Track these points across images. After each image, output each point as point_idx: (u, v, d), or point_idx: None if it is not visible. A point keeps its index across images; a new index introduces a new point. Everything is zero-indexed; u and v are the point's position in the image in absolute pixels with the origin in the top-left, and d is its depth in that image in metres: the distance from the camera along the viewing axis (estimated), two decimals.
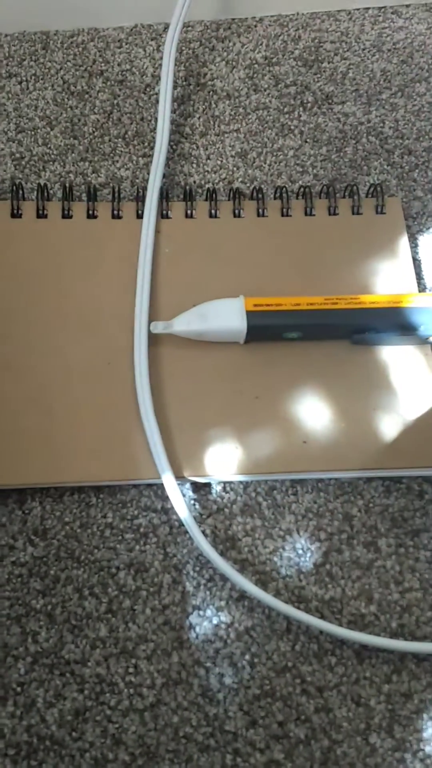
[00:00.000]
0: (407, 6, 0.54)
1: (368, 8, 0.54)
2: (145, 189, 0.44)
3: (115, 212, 0.43)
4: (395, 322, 0.39)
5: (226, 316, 0.39)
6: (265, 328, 0.39)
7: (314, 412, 0.38)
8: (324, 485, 0.38)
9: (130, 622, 0.35)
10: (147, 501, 0.37)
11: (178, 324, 0.39)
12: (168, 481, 0.36)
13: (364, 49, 0.52)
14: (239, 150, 0.48)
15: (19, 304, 0.40)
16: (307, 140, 0.48)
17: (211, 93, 0.50)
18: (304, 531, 0.37)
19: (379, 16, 0.54)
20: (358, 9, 0.54)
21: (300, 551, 0.37)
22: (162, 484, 0.37)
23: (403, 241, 0.43)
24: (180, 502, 0.36)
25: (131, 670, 0.34)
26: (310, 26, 0.52)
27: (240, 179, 0.46)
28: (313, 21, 0.53)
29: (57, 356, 0.39)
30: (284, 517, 0.37)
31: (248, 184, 0.46)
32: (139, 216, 0.43)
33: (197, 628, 0.35)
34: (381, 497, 0.38)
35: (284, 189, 0.44)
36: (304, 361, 0.40)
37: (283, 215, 0.44)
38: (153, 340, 0.39)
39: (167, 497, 0.37)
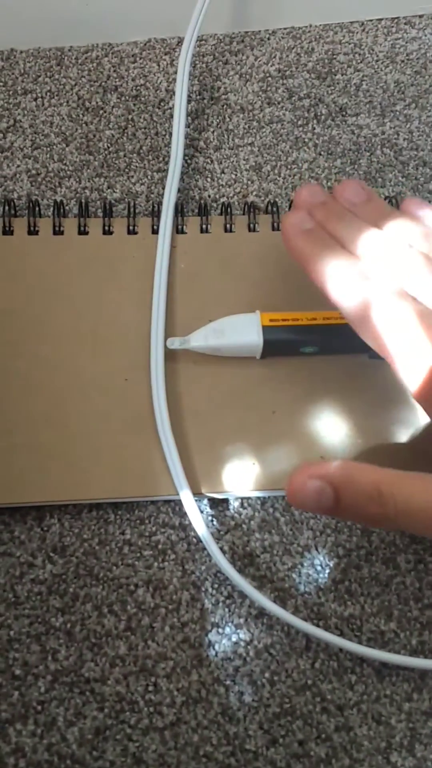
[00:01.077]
0: (420, 17, 0.54)
1: (381, 19, 0.54)
2: (160, 204, 0.44)
3: (131, 228, 0.43)
4: None
5: (242, 331, 0.39)
6: (281, 343, 0.39)
7: (331, 428, 0.38)
8: None
9: (149, 640, 0.35)
10: (165, 517, 0.38)
11: (194, 340, 0.39)
12: (186, 497, 0.36)
13: (377, 61, 0.52)
14: (253, 163, 0.48)
15: (36, 321, 0.40)
16: (321, 153, 0.48)
17: (224, 107, 0.50)
18: (322, 547, 0.37)
19: (392, 27, 0.54)
20: (371, 20, 0.54)
21: (318, 567, 0.37)
22: (180, 501, 0.37)
23: None
24: (198, 518, 0.36)
25: (151, 688, 0.34)
26: (323, 38, 0.52)
27: (254, 192, 0.46)
28: (326, 33, 0.53)
29: (74, 372, 0.39)
30: (302, 533, 0.37)
31: (263, 198, 0.46)
32: (155, 231, 0.43)
33: (216, 646, 0.35)
34: None
35: None
36: (321, 376, 0.40)
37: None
38: (169, 355, 0.39)
39: (185, 514, 0.37)
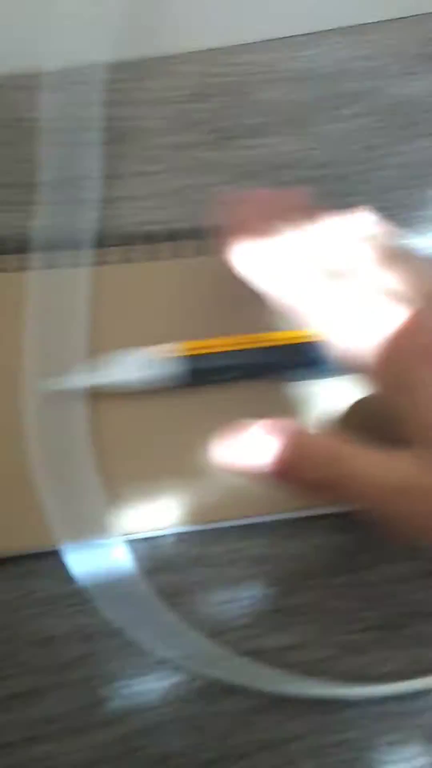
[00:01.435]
0: (326, 32, 0.54)
1: (285, 38, 0.54)
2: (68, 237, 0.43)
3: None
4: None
5: (150, 363, 0.38)
6: (200, 371, 0.38)
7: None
8: (276, 526, 0.37)
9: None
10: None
11: (96, 376, 0.38)
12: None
13: (289, 79, 0.52)
14: (171, 189, 0.47)
15: None
16: (240, 174, 0.48)
17: (136, 133, 0.49)
18: (258, 576, 0.36)
19: (300, 44, 0.54)
20: (278, 39, 0.54)
21: (255, 597, 0.36)
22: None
23: None
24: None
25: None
26: (230, 61, 0.52)
27: (171, 220, 0.46)
28: (233, 55, 0.53)
29: None
30: (234, 564, 0.36)
31: (184, 224, 0.46)
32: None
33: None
34: (333, 534, 0.37)
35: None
36: (246, 403, 0.39)
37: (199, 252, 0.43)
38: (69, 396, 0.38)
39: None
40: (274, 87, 0.51)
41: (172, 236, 0.44)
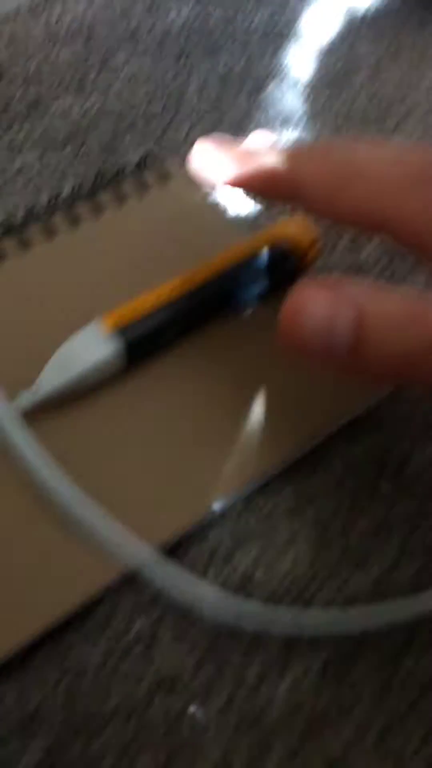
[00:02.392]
0: None
1: (18, 6, 0.49)
2: None
3: None
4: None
5: (90, 349, 0.31)
6: (140, 341, 0.32)
7: (258, 403, 0.32)
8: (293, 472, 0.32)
9: (201, 751, 0.26)
10: (126, 602, 0.29)
11: (43, 386, 0.30)
12: (150, 558, 0.28)
13: (41, 44, 0.47)
14: None
15: None
16: (46, 147, 0.42)
17: None
18: (307, 524, 0.31)
19: (36, 8, 0.48)
20: (8, 11, 0.48)
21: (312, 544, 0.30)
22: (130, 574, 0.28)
23: (208, 196, 0.39)
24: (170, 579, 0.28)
25: None
26: None
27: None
28: None
29: None
30: (278, 523, 0.31)
31: (10, 216, 0.39)
32: None
33: (273, 703, 0.27)
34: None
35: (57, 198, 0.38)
36: (205, 355, 0.33)
37: (73, 225, 0.37)
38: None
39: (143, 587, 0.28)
40: (33, 55, 0.46)
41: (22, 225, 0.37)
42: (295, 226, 0.34)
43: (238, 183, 0.30)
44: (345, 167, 0.26)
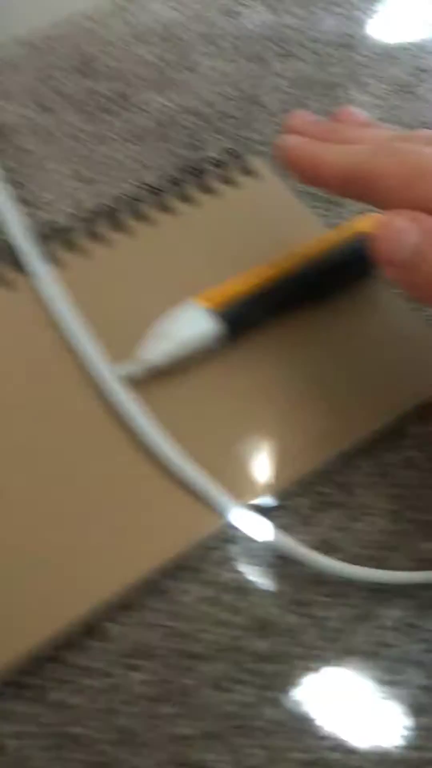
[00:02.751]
0: None
1: (98, 5, 0.52)
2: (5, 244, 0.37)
3: None
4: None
5: (189, 324, 0.34)
6: (238, 320, 0.35)
7: (342, 381, 0.35)
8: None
9: (294, 685, 0.29)
10: (218, 553, 0.32)
11: (145, 355, 0.33)
12: (238, 514, 0.31)
13: (122, 41, 0.49)
14: (70, 173, 0.42)
15: None
16: (129, 140, 0.44)
17: (5, 128, 0.44)
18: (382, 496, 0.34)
19: (114, 9, 0.51)
20: (88, 9, 0.51)
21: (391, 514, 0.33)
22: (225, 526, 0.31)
23: (287, 193, 0.41)
24: (266, 527, 0.31)
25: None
26: (52, 37, 0.49)
27: (87, 200, 0.41)
28: (55, 31, 0.49)
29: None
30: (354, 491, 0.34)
31: (100, 200, 0.41)
32: (23, 272, 0.37)
33: (365, 646, 0.30)
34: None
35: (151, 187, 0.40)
36: (296, 338, 0.36)
37: (164, 212, 0.40)
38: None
39: (238, 538, 0.31)
40: (114, 52, 0.49)
41: (113, 210, 0.39)
42: (372, 223, 0.37)
43: (316, 182, 0.32)
44: (419, 168, 0.28)
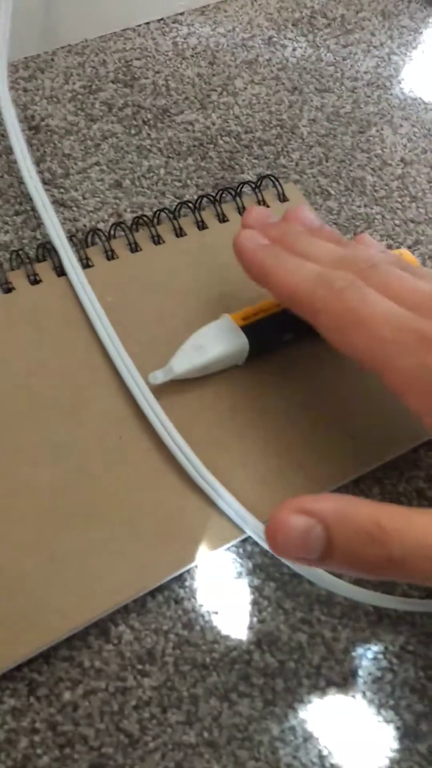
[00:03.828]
0: (182, 14, 0.54)
1: (149, 23, 0.53)
2: (43, 246, 0.38)
3: (31, 277, 0.37)
4: None
5: (221, 339, 0.35)
6: (263, 339, 0.36)
7: (357, 405, 0.36)
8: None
9: (297, 701, 0.30)
10: (235, 565, 0.32)
11: (177, 365, 0.34)
12: (256, 530, 0.31)
13: (169, 60, 0.51)
14: (111, 181, 0.43)
15: None
16: (170, 155, 0.45)
17: (49, 133, 0.45)
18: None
19: (164, 27, 0.53)
20: (139, 25, 0.53)
21: None
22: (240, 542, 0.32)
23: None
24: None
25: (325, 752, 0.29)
26: (106, 49, 0.50)
27: (127, 209, 0.42)
28: (106, 44, 0.50)
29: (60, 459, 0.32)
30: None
31: (138, 211, 0.42)
32: (60, 274, 0.37)
33: (360, 671, 0.31)
34: None
35: (186, 203, 0.41)
36: (313, 359, 0.37)
37: (200, 229, 0.41)
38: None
39: (253, 553, 0.32)
40: (160, 69, 0.50)
41: (145, 224, 0.40)
42: (402, 257, 0.38)
43: (266, 288, 0.32)
44: (351, 313, 0.28)
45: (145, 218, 0.40)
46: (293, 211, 0.35)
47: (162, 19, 0.53)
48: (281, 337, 0.36)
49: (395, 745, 0.29)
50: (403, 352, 0.27)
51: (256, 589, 0.32)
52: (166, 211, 0.41)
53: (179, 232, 0.40)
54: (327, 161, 0.47)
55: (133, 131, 0.46)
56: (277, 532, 0.24)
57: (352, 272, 0.29)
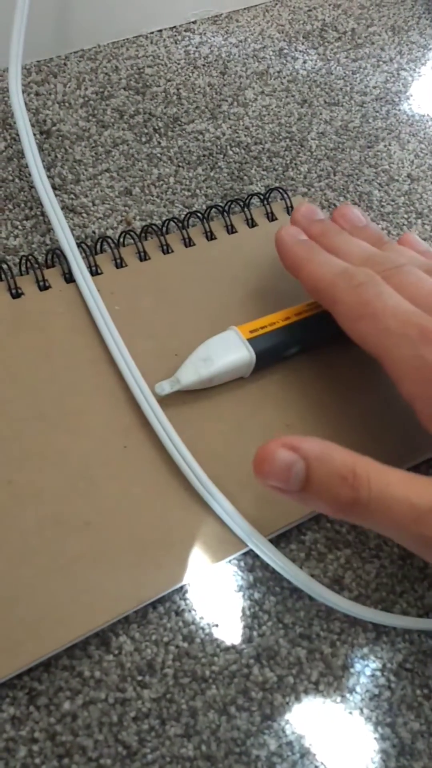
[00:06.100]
0: (194, 23, 0.54)
1: (161, 30, 0.53)
2: (53, 252, 0.38)
3: (41, 283, 0.37)
4: None
5: (228, 351, 0.35)
6: (269, 352, 0.36)
7: (358, 414, 0.36)
8: None
9: (294, 717, 0.30)
10: (237, 579, 0.32)
11: (184, 377, 0.34)
12: (259, 544, 0.31)
13: (181, 68, 0.51)
14: (121, 189, 0.43)
15: None
16: (180, 164, 0.46)
17: (60, 138, 0.45)
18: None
19: (176, 35, 0.53)
20: (152, 33, 0.53)
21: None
22: (243, 555, 0.32)
23: None
24: (283, 560, 0.31)
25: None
26: (119, 55, 0.50)
27: (136, 216, 0.42)
28: (118, 50, 0.50)
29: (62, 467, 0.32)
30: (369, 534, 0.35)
31: (147, 220, 0.42)
32: (68, 280, 0.37)
33: (357, 688, 0.31)
34: None
35: (195, 213, 0.41)
36: (316, 373, 0.37)
37: (208, 239, 0.41)
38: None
39: (255, 567, 0.32)
40: (172, 77, 0.50)
41: (155, 233, 0.40)
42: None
43: (296, 275, 0.35)
44: (365, 306, 0.31)
45: (154, 227, 0.40)
46: (341, 208, 0.38)
47: (174, 27, 0.53)
48: (287, 350, 0.36)
49: (391, 763, 0.29)
50: (403, 343, 0.29)
51: (257, 603, 0.32)
52: (175, 220, 0.41)
53: (188, 242, 0.40)
54: (335, 175, 0.47)
55: (143, 139, 0.46)
56: (264, 460, 0.26)
57: (376, 271, 0.32)
